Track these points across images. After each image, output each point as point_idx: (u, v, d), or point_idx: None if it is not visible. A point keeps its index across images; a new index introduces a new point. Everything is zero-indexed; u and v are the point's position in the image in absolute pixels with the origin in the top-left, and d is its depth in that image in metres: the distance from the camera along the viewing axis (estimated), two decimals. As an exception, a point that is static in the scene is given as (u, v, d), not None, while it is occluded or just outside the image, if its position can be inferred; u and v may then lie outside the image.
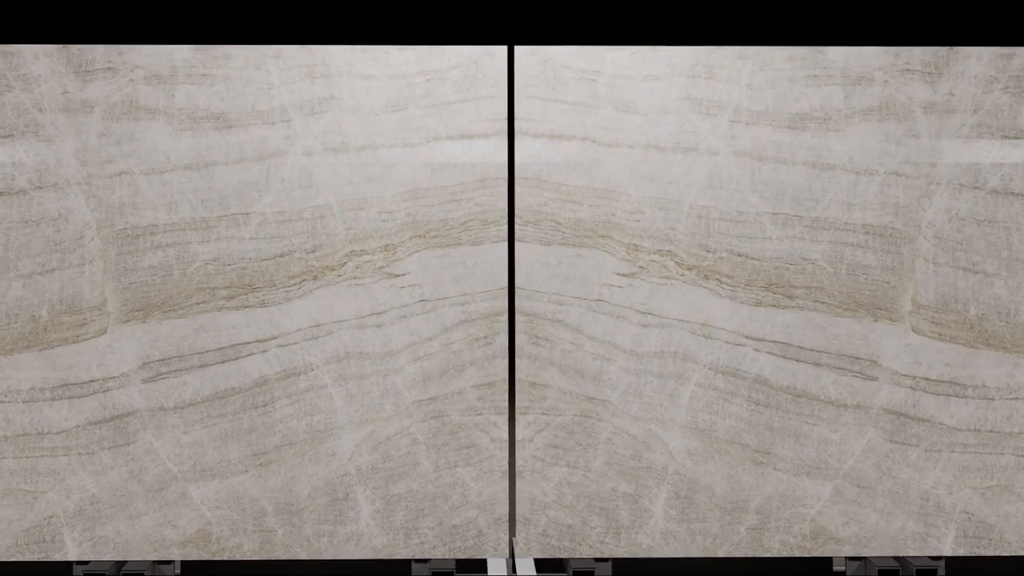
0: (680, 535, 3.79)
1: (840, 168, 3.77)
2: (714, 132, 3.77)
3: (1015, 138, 3.77)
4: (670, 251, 3.77)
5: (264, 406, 3.74)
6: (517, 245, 3.77)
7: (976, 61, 3.77)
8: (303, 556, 3.76)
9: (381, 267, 3.76)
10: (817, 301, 3.78)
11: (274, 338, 3.74)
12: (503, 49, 3.78)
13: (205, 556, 3.74)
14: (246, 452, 3.74)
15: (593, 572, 3.79)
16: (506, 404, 3.78)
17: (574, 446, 3.78)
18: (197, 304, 3.74)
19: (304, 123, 3.75)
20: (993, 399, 3.78)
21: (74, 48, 3.72)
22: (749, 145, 3.77)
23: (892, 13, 4.04)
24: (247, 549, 3.75)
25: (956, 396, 3.78)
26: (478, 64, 3.77)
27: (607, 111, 3.77)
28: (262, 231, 3.74)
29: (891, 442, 3.78)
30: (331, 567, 3.99)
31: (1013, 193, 3.77)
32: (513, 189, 3.77)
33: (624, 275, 3.78)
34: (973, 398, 3.78)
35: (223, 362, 3.74)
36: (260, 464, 3.75)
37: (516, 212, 3.77)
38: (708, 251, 3.78)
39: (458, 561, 3.87)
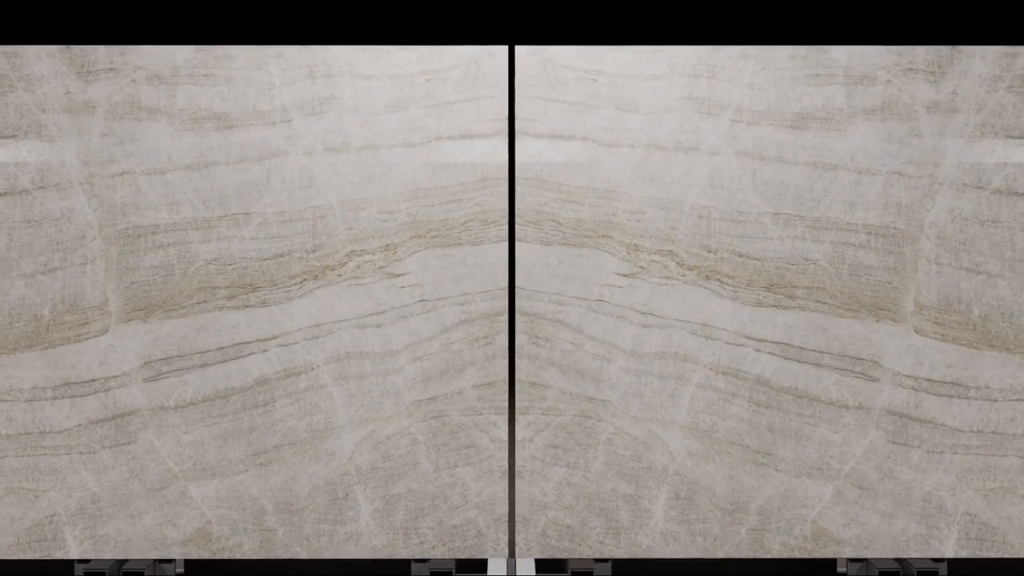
0: (680, 536, 3.78)
1: (842, 168, 3.75)
2: (715, 132, 3.76)
3: (1019, 138, 3.74)
4: (671, 251, 3.76)
5: (264, 405, 3.75)
6: (517, 245, 3.77)
7: (980, 60, 3.75)
8: (303, 555, 3.77)
9: (381, 267, 3.76)
10: (819, 302, 3.76)
11: (275, 338, 3.75)
12: (504, 49, 3.78)
13: (205, 555, 3.76)
14: (246, 451, 3.75)
15: (592, 572, 3.78)
16: (506, 404, 3.77)
17: (574, 446, 3.78)
18: (198, 304, 3.75)
19: (305, 123, 3.75)
20: (996, 400, 3.75)
21: (76, 49, 3.74)
22: (751, 145, 3.76)
23: (895, 12, 4.02)
24: (247, 548, 3.76)
25: (959, 397, 3.76)
26: (479, 64, 3.77)
27: (608, 111, 3.76)
28: (263, 231, 3.75)
29: (893, 443, 3.76)
30: (331, 566, 3.99)
31: (1017, 193, 3.74)
32: (514, 189, 3.77)
33: (625, 275, 3.77)
34: (976, 399, 3.75)
35: (224, 361, 3.75)
36: (260, 463, 3.76)
37: (516, 212, 3.76)
38: (709, 251, 3.76)
39: (458, 561, 3.87)
